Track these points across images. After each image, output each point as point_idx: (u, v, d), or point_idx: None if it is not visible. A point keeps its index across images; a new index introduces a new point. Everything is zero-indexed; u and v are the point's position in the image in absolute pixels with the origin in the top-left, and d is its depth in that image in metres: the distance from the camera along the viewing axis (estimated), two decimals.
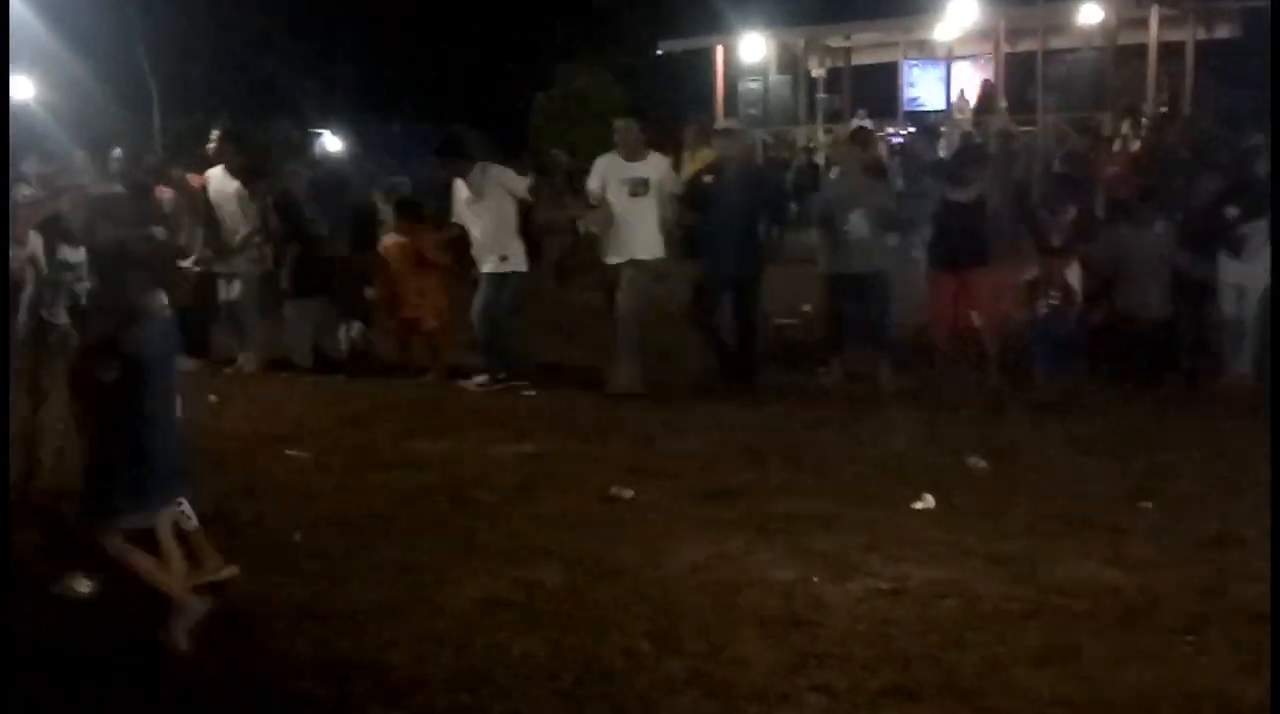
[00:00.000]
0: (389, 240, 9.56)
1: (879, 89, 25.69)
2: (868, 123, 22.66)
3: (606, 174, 8.80)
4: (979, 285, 9.11)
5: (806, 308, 11.07)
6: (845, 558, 5.27)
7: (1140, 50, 21.99)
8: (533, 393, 8.80)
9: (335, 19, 30.43)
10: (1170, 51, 21.90)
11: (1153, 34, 21.61)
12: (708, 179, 9.20)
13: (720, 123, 9.61)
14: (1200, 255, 8.82)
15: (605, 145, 9.32)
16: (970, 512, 5.98)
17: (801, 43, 25.58)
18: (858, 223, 8.87)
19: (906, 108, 25.25)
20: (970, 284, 9.10)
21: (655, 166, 8.81)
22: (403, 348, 9.66)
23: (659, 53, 26.77)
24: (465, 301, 9.19)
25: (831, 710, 3.86)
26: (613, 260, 8.84)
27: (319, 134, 27.66)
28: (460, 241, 9.21)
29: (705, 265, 9.11)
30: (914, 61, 25.61)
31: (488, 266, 8.91)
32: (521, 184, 9.17)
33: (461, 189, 8.98)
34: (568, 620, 4.59)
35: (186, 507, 4.86)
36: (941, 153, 18.48)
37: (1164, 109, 21.02)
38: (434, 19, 31.73)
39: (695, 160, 12.41)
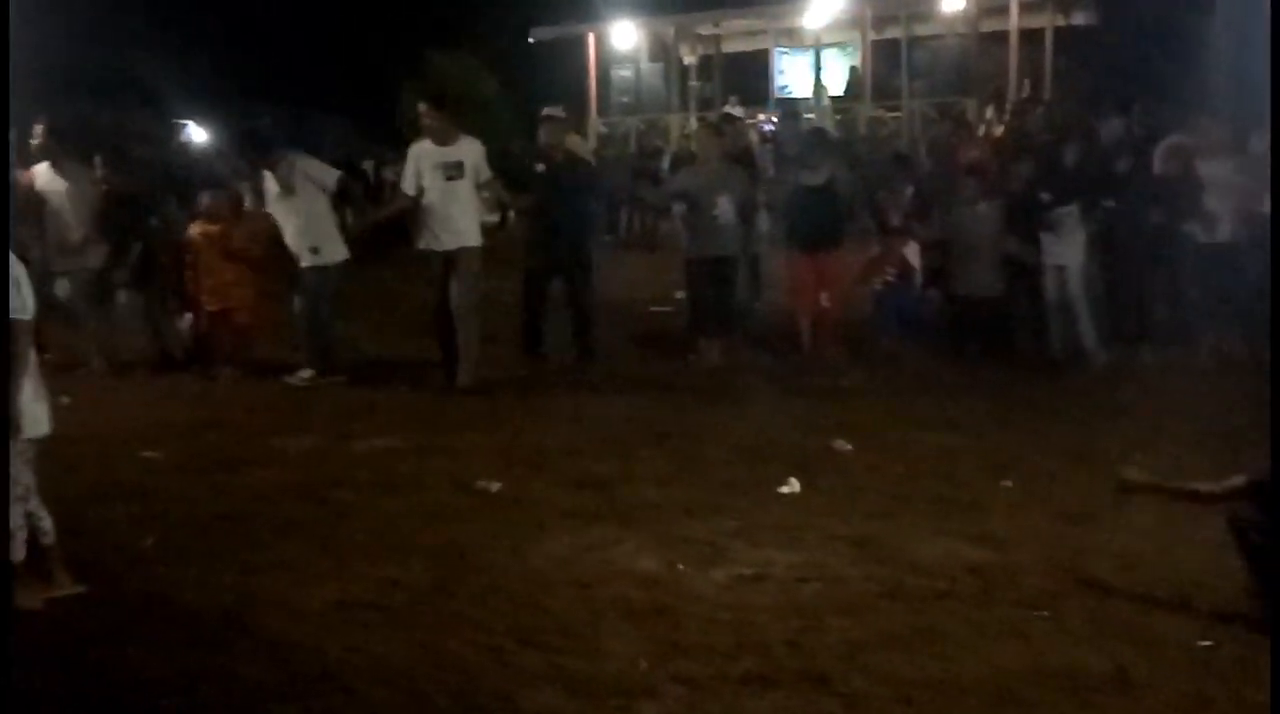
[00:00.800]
0: (196, 230, 9.27)
1: (750, 76, 25.85)
2: (738, 110, 22.83)
3: (420, 161, 8.64)
4: (832, 267, 9.34)
5: (680, 295, 11.07)
6: (711, 545, 5.26)
7: (1002, 37, 22.47)
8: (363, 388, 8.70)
9: (200, 5, 29.66)
10: (1030, 38, 22.41)
11: (1013, 21, 22.10)
12: (539, 168, 9.21)
13: (546, 109, 9.46)
14: (1023, 237, 9.10)
15: (479, 134, 9.22)
16: (835, 494, 6.02)
17: (672, 31, 25.62)
18: (725, 208, 8.94)
19: (777, 95, 25.45)
20: (824, 266, 9.30)
21: (468, 150, 8.66)
22: (207, 340, 9.33)
23: (530, 40, 26.59)
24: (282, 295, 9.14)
25: (692, 701, 3.82)
26: (429, 247, 8.63)
27: (184, 125, 26.96)
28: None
29: (533, 252, 9.22)
30: (783, 49, 25.82)
31: (304, 261, 8.76)
32: (331, 176, 8.92)
33: (271, 183, 8.81)
34: (428, 619, 4.49)
35: (46, 522, 4.65)
36: None
37: (1026, 94, 21.51)
38: (301, 6, 31.10)
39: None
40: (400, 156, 14.26)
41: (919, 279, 9.48)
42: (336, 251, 8.84)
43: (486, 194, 8.92)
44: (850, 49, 24.80)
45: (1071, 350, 9.01)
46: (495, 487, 6.14)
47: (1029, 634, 4.23)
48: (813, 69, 25.12)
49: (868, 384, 8.48)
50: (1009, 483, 6.11)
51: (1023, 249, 9.01)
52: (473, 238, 8.60)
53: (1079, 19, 22.59)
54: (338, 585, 4.83)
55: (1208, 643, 4.10)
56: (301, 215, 8.72)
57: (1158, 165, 9.36)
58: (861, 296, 9.76)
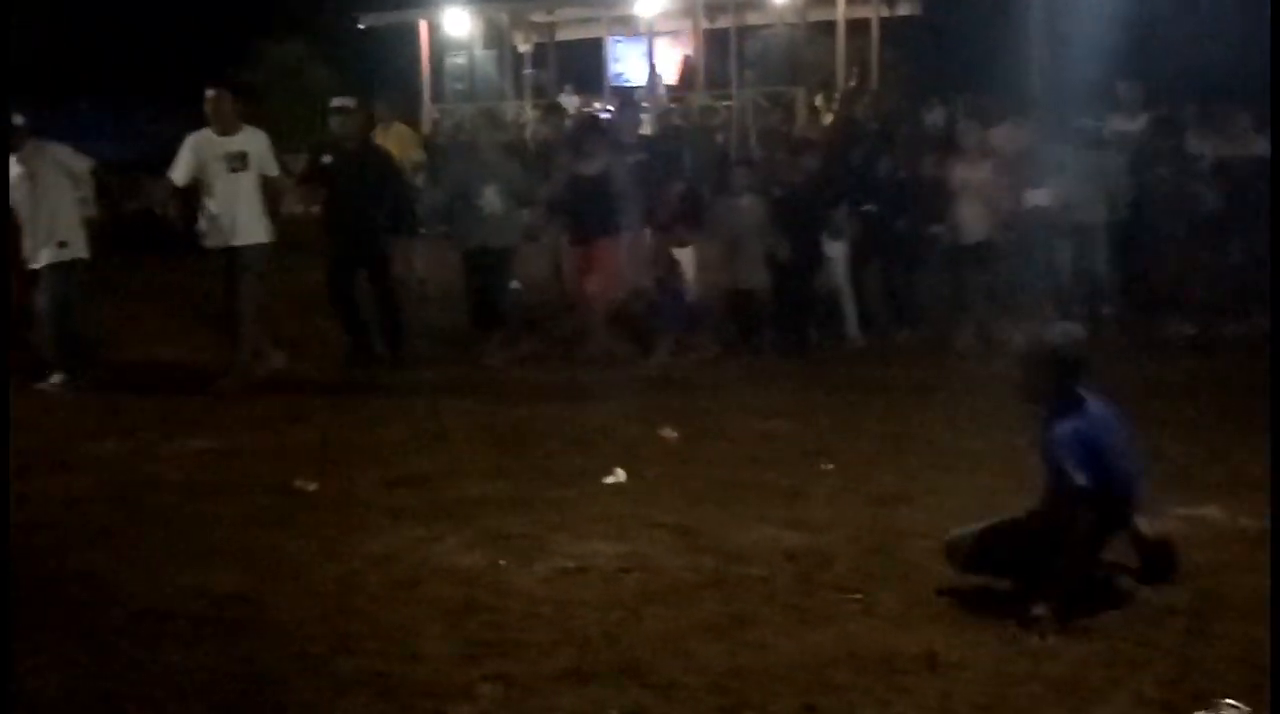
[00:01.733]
0: None
1: (585, 64, 25.80)
2: (574, 99, 22.79)
3: (201, 151, 8.31)
4: (604, 257, 9.30)
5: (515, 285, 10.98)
6: (534, 539, 5.21)
7: (830, 27, 22.85)
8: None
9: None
10: (857, 28, 22.83)
11: (840, 11, 22.48)
12: (326, 159, 9.00)
13: (335, 100, 9.26)
14: (797, 230, 9.27)
15: (310, 123, 9.01)
16: (660, 482, 6.04)
17: (506, 18, 25.37)
18: (491, 198, 8.89)
19: (612, 83, 25.45)
20: (595, 256, 9.28)
21: (251, 140, 8.41)
22: None
23: (361, 27, 26.07)
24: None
25: (506, 699, 3.76)
26: (214, 244, 8.38)
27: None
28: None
29: (331, 246, 9.04)
30: (618, 37, 25.82)
31: (45, 257, 8.13)
32: (84, 164, 8.43)
33: (17, 169, 8.15)
34: (237, 628, 4.34)
35: None
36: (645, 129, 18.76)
37: (853, 84, 21.93)
38: None
39: (389, 137, 12.11)
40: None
41: (687, 276, 9.48)
42: (83, 245, 8.28)
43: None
44: (683, 37, 24.93)
45: (834, 338, 9.46)
46: (312, 486, 5.99)
47: (843, 619, 4.28)
48: (646, 58, 25.17)
49: (692, 373, 8.54)
50: (829, 467, 6.21)
51: (778, 244, 9.18)
52: (257, 234, 8.33)
53: (904, 9, 23.15)
54: (143, 596, 4.64)
55: (1013, 621, 4.20)
56: (47, 206, 8.12)
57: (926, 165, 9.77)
58: (632, 292, 9.78)
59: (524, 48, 26.16)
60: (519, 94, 25.29)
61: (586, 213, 9.22)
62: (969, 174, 9.44)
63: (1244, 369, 8.18)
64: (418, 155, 12.88)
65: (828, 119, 19.91)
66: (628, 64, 26.01)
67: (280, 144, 9.63)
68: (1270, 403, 6.25)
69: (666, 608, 4.43)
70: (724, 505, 5.65)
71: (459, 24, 25.11)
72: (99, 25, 29.89)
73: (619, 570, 4.83)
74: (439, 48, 25.94)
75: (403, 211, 9.42)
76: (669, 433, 6.88)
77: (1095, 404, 4.39)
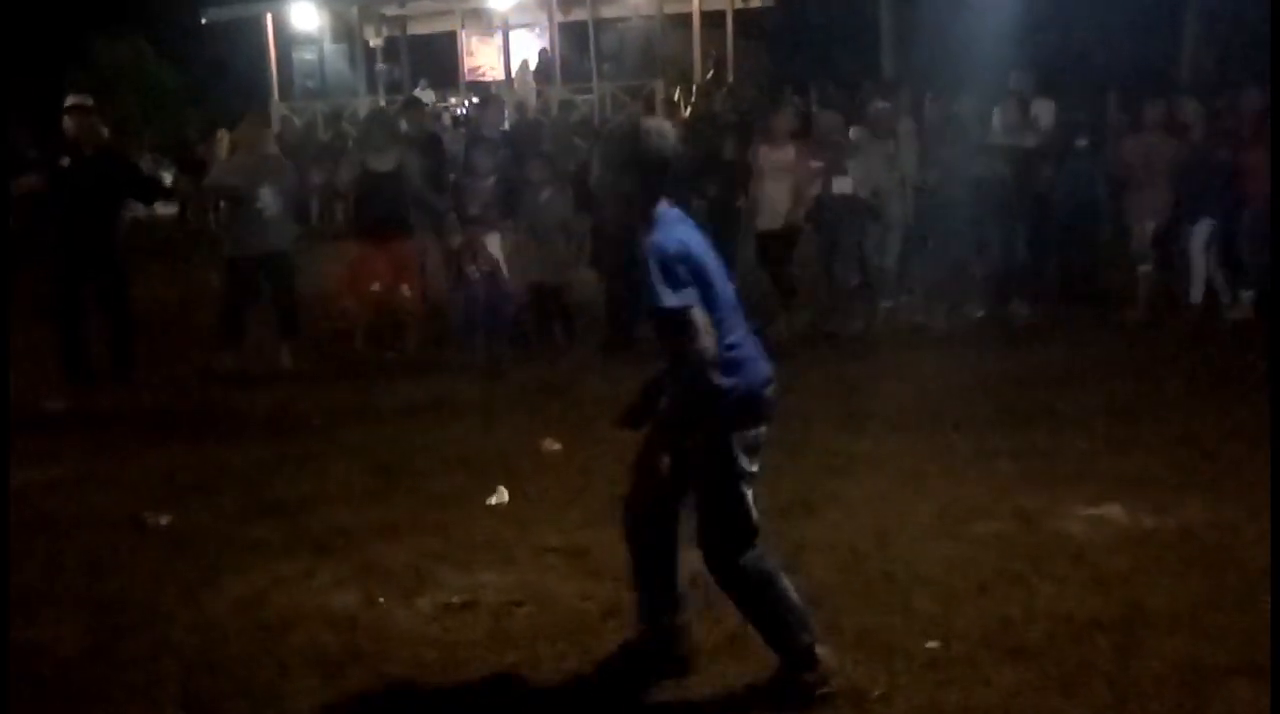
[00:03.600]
0: None
1: (439, 58, 25.22)
2: (429, 93, 22.23)
3: None
4: (401, 255, 9.06)
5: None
6: (414, 571, 4.81)
7: (686, 19, 22.72)
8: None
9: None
10: (712, 20, 22.75)
11: (695, 3, 22.37)
12: (64, 161, 8.28)
13: (70, 98, 8.52)
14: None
15: (152, 121, 8.39)
16: (547, 501, 5.69)
17: (355, 11, 24.66)
18: (269, 200, 8.51)
19: (468, 78, 24.92)
20: (392, 254, 9.01)
21: None
22: None
23: (203, 22, 25.04)
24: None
25: None
26: None
27: None
28: None
29: (57, 256, 8.34)
30: (471, 30, 25.30)
31: None
32: None
33: None
34: (82, 690, 3.86)
35: None
36: (506, 125, 18.33)
37: (710, 75, 21.83)
38: None
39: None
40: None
41: (504, 271, 9.24)
42: None
43: None
44: (538, 30, 24.53)
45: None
46: (165, 520, 5.47)
47: (753, 651, 3.97)
48: (501, 52, 24.71)
49: (569, 379, 8.18)
50: None
51: (582, 238, 9.20)
52: None
53: (756, 1, 23.15)
54: None
55: (934, 644, 3.96)
56: None
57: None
58: (441, 290, 9.56)
59: (375, 42, 25.48)
60: (372, 90, 24.58)
61: (375, 208, 8.91)
62: (779, 157, 9.43)
63: (1106, 358, 8.23)
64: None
65: (687, 112, 19.80)
66: (483, 58, 25.53)
67: (127, 144, 9.14)
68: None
69: (564, 644, 4.08)
70: (615, 523, 5.27)
71: (306, 17, 24.39)
72: None
73: (509, 604, 4.46)
74: (286, 42, 25.13)
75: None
76: (551, 445, 6.52)
77: (688, 222, 3.64)
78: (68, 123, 8.35)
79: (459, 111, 21.30)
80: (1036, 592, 4.38)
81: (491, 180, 9.18)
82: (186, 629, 4.31)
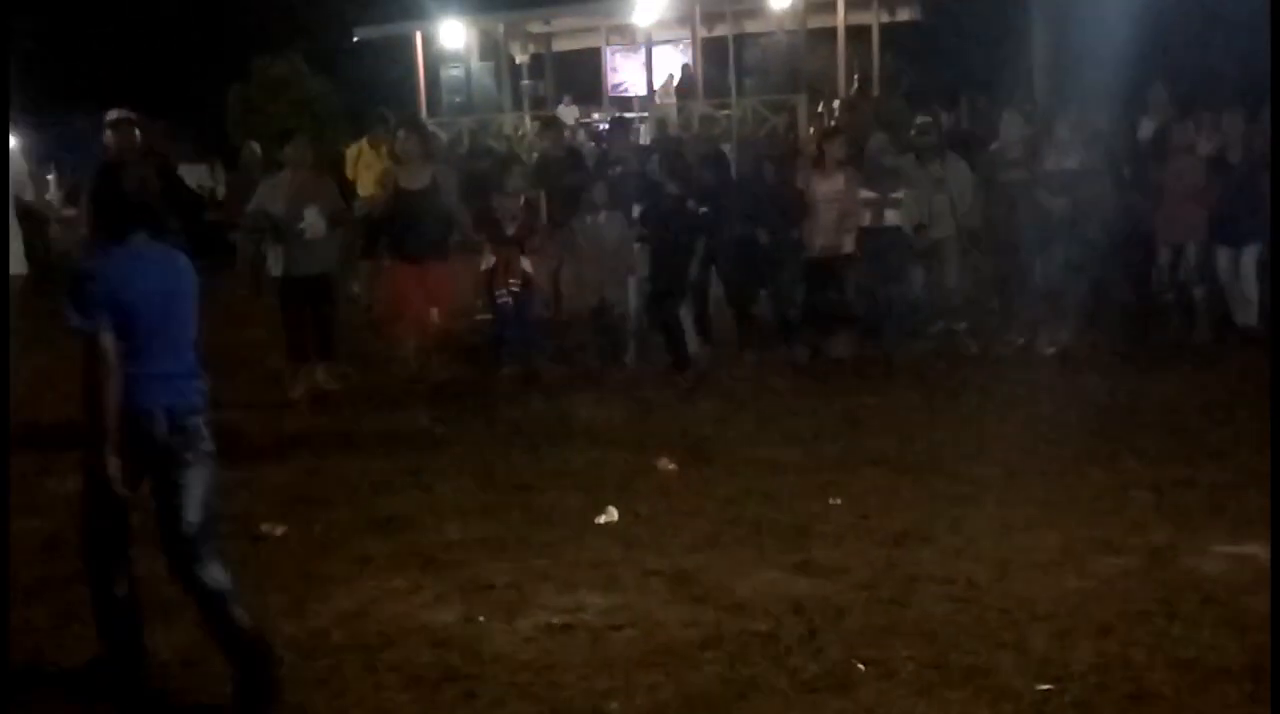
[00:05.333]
0: None
1: (583, 74, 25.41)
2: (572, 109, 22.41)
3: None
4: (435, 276, 8.83)
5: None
6: (516, 589, 4.78)
7: (830, 34, 22.44)
8: None
9: (16, 7, 28.01)
10: (858, 35, 22.43)
11: (840, 17, 22.07)
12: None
13: (112, 113, 8.27)
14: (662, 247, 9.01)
15: (312, 137, 8.46)
16: (656, 521, 5.59)
17: (501, 28, 24.98)
18: (313, 220, 8.38)
19: (611, 93, 25.06)
20: (428, 277, 8.77)
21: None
22: None
23: (355, 40, 25.69)
24: None
25: None
26: None
27: None
28: None
29: None
30: (615, 46, 25.43)
31: None
32: None
33: None
34: (175, 698, 3.90)
35: None
36: (643, 139, 18.37)
37: (855, 91, 21.52)
38: (121, 8, 29.64)
39: (379, 153, 11.68)
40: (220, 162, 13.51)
41: (541, 292, 9.21)
42: None
43: None
44: (681, 46, 24.53)
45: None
46: (280, 530, 5.55)
47: (854, 685, 3.83)
48: (644, 67, 24.77)
49: (685, 396, 8.11)
50: (837, 501, 5.76)
51: (634, 259, 9.08)
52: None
53: (904, 15, 22.76)
54: (82, 653, 4.19)
55: (1046, 687, 3.76)
56: None
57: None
58: (475, 311, 9.42)
59: (521, 59, 25.77)
60: (517, 105, 24.87)
61: (414, 230, 8.71)
62: (828, 186, 9.23)
63: (1219, 385, 7.85)
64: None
65: (831, 126, 19.55)
66: (626, 73, 25.65)
67: (278, 159, 9.24)
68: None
69: (658, 672, 3.99)
70: (724, 547, 5.21)
71: (455, 35, 24.77)
72: (97, 41, 29.62)
73: (608, 627, 4.38)
74: (434, 60, 25.58)
75: (202, 237, 8.80)
76: (666, 465, 6.43)
77: (151, 259, 3.87)
78: (109, 137, 8.28)
79: (601, 128, 21.39)
80: (1163, 634, 4.13)
81: (523, 200, 9.13)
82: (288, 641, 4.31)
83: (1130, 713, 3.59)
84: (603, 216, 9.10)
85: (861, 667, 3.97)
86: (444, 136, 23.55)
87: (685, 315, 9.07)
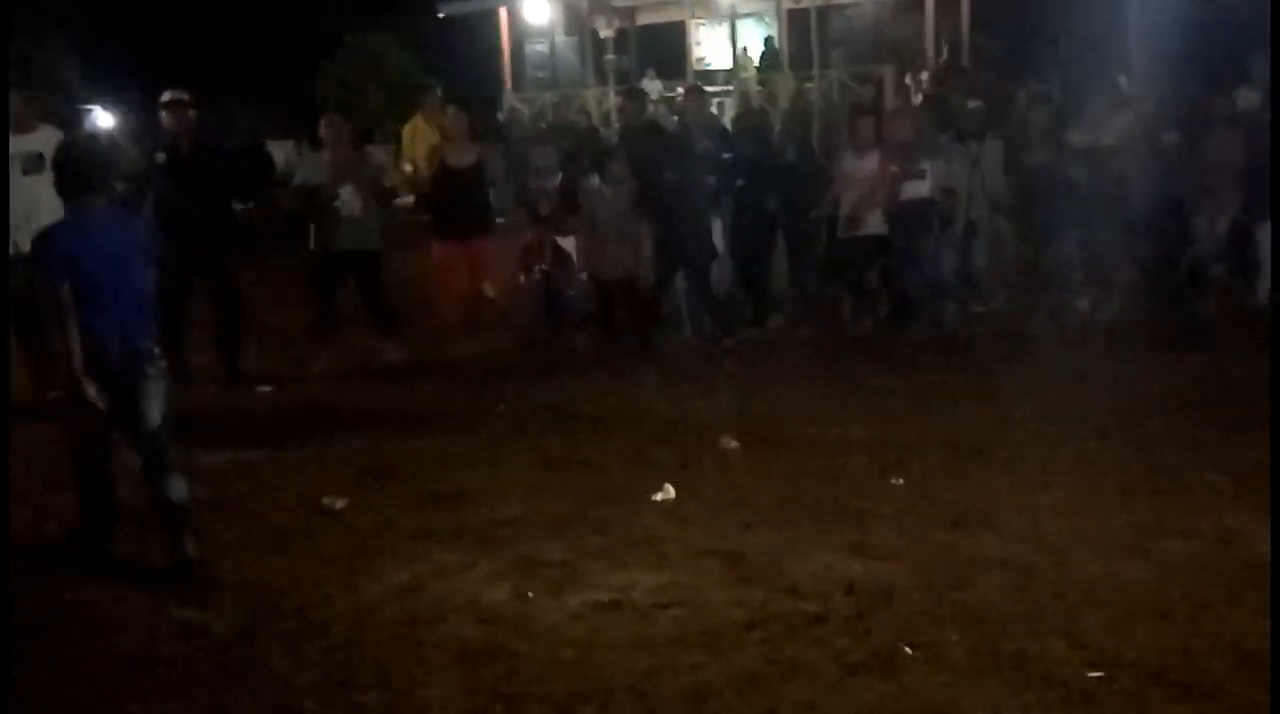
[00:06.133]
0: None
1: (667, 48, 25.32)
2: (656, 83, 22.33)
3: None
4: (481, 253, 8.89)
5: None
6: (569, 567, 4.77)
7: (918, 3, 22.10)
8: None
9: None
10: (946, 4, 22.06)
11: None
12: (159, 158, 8.10)
13: (166, 94, 8.24)
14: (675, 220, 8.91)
15: (397, 113, 8.56)
16: (714, 500, 5.54)
17: (586, 3, 24.98)
18: (349, 198, 8.40)
19: (695, 67, 24.93)
20: (474, 253, 8.84)
21: (50, 139, 7.13)
22: None
23: (440, 16, 25.86)
24: None
25: None
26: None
27: (89, 110, 26.02)
28: None
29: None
30: (700, 20, 25.30)
31: None
32: None
33: None
34: (224, 673, 3.95)
35: None
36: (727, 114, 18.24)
37: (943, 61, 21.16)
38: None
39: (434, 126, 11.68)
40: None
41: (575, 268, 9.15)
42: None
43: None
44: (766, 19, 24.32)
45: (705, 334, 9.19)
46: (340, 504, 5.59)
47: (900, 670, 3.76)
48: (730, 40, 24.61)
49: (754, 373, 8.05)
50: (899, 482, 5.67)
51: (649, 230, 8.97)
52: None
53: None
54: (139, 636, 4.28)
55: (1098, 674, 3.66)
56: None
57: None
58: (520, 289, 9.36)
59: (605, 33, 25.75)
60: (601, 80, 24.86)
61: (459, 208, 8.76)
62: (858, 165, 9.14)
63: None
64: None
65: (918, 98, 19.23)
66: (710, 47, 25.51)
67: (371, 135, 9.37)
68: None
69: (702, 652, 3.96)
70: (781, 527, 5.15)
71: (539, 11, 24.84)
72: (192, 24, 30.13)
73: (655, 606, 4.36)
74: (519, 35, 25.69)
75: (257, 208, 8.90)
76: (729, 443, 6.37)
77: (101, 222, 4.75)
78: (165, 118, 8.24)
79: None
80: (1226, 622, 4.00)
81: (558, 179, 9.08)
82: (339, 616, 4.37)
83: (1182, 703, 3.48)
84: (617, 191, 8.96)
85: (909, 650, 3.90)
86: (527, 111, 23.70)
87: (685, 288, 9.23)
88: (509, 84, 25.04)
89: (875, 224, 9.06)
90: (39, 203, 6.93)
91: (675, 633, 4.13)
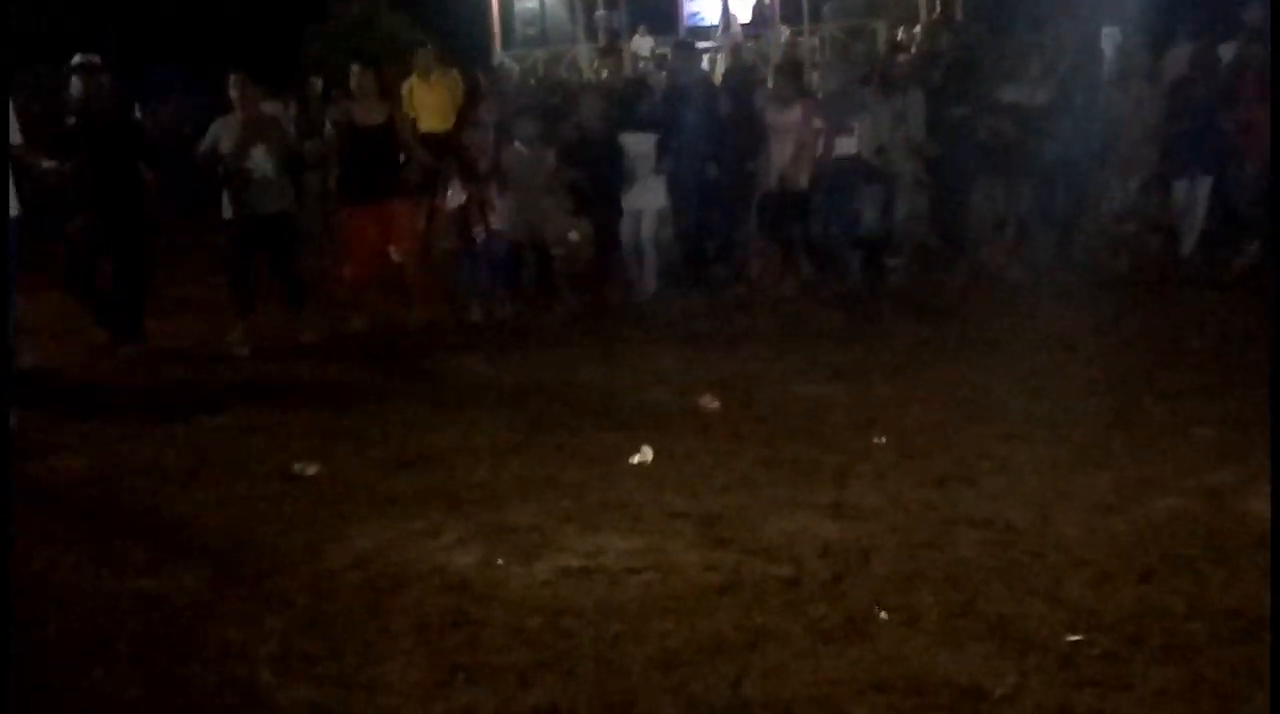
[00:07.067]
0: None
1: (659, 4, 24.96)
2: (648, 40, 22.05)
3: None
4: (390, 215, 8.55)
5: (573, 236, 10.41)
6: (539, 531, 4.66)
7: None
8: None
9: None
10: None
11: None
12: (70, 122, 8.04)
13: (77, 57, 8.09)
14: (592, 176, 8.94)
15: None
16: (691, 461, 5.43)
17: None
18: (261, 160, 8.13)
19: (688, 23, 24.60)
20: (382, 214, 8.51)
21: None
22: None
23: None
24: None
25: None
26: None
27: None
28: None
29: (75, 219, 7.98)
30: None
31: None
32: None
33: None
34: (182, 646, 3.84)
35: None
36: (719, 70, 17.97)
37: (935, 15, 20.86)
38: None
39: (432, 89, 11.52)
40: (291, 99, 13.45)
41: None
42: None
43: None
44: None
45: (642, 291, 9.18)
46: (312, 470, 5.49)
47: (874, 635, 3.65)
48: None
49: (732, 330, 7.96)
50: (882, 440, 5.55)
51: (580, 185, 8.95)
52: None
53: None
54: (96, 605, 4.18)
55: (1076, 637, 3.55)
56: None
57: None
58: (446, 251, 9.12)
59: None
60: (591, 37, 24.54)
61: (364, 168, 8.47)
62: (785, 118, 8.97)
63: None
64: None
65: (911, 53, 18.99)
66: (703, 3, 25.14)
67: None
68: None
69: (671, 618, 3.85)
70: (758, 488, 5.04)
71: None
72: None
73: (626, 570, 4.25)
74: None
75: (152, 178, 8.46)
76: (709, 402, 6.25)
77: None
78: (75, 83, 8.08)
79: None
80: (1207, 581, 3.90)
81: (492, 135, 8.88)
82: (301, 585, 4.26)
83: (1163, 666, 3.37)
84: (528, 150, 8.80)
85: (884, 614, 3.80)
86: (516, 69, 23.41)
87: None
88: (498, 42, 24.70)
89: (802, 179, 8.96)
90: None
91: (644, 598, 4.02)
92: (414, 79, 11.53)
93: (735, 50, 19.59)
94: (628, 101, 9.47)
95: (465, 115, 9.38)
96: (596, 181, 8.93)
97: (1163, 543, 4.23)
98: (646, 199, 9.09)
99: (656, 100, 9.62)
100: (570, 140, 9.06)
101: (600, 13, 25.06)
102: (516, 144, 8.82)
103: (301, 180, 11.44)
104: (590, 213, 9.21)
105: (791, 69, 9.74)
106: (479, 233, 8.65)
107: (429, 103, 11.11)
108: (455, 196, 8.72)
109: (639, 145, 9.03)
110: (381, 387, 7.05)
